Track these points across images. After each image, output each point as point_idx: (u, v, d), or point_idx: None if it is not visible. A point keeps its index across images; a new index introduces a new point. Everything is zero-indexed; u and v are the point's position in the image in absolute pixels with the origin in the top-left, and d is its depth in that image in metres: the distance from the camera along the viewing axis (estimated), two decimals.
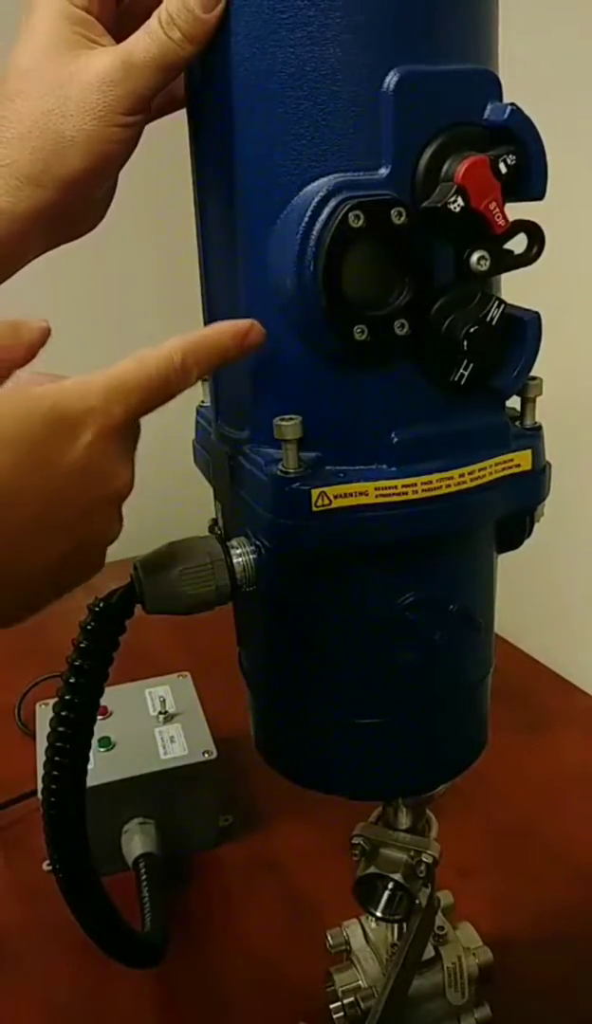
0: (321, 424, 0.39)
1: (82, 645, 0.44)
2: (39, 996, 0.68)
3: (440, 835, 0.51)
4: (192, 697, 0.83)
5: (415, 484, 0.39)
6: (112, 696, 0.80)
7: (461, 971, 0.55)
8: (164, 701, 0.82)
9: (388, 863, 0.50)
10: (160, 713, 0.80)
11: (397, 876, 0.49)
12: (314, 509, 0.38)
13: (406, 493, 0.39)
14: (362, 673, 0.43)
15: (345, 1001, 0.55)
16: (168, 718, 0.80)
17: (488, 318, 0.38)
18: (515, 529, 0.45)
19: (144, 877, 0.71)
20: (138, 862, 0.71)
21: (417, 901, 0.49)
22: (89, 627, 0.43)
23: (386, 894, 0.49)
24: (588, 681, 1.02)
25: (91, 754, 0.46)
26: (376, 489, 0.38)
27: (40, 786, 0.47)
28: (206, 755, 0.75)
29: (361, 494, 0.38)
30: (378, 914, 0.49)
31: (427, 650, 0.42)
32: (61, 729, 0.45)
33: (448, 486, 0.39)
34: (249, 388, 0.41)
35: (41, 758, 0.46)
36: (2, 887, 0.78)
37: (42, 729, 0.76)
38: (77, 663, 0.44)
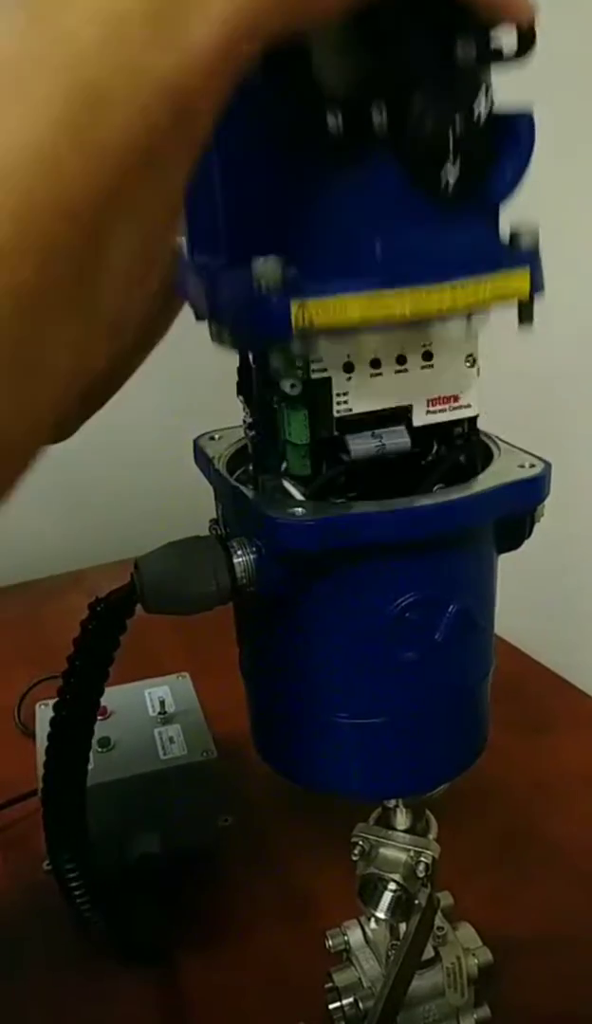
0: (299, 238, 0.37)
1: (83, 644, 0.44)
2: (39, 996, 0.68)
3: (440, 835, 0.51)
4: (192, 697, 0.83)
5: (403, 298, 0.36)
6: (112, 696, 0.80)
7: (461, 971, 0.55)
8: (164, 701, 0.82)
9: (388, 863, 0.50)
10: (160, 713, 0.80)
11: (397, 876, 0.49)
12: (296, 328, 0.35)
13: (393, 309, 0.36)
14: (362, 673, 0.43)
15: (345, 1001, 0.55)
16: (168, 718, 0.80)
17: (475, 111, 0.36)
18: (515, 529, 0.45)
19: (144, 877, 0.71)
20: (138, 862, 0.72)
21: (416, 901, 0.49)
22: (90, 626, 0.43)
23: (386, 894, 0.49)
24: (588, 681, 1.02)
25: (91, 754, 0.46)
26: (360, 303, 0.36)
27: (40, 786, 0.47)
28: (206, 755, 0.75)
29: (344, 309, 0.36)
30: (379, 914, 0.50)
31: (427, 650, 0.42)
32: (61, 729, 0.45)
33: (440, 304, 0.36)
34: (222, 202, 0.40)
35: (41, 758, 0.46)
36: (2, 887, 0.78)
37: (42, 729, 0.76)
38: (77, 662, 0.44)
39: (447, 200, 0.36)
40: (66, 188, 0.25)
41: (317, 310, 0.35)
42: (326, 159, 0.36)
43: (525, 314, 0.40)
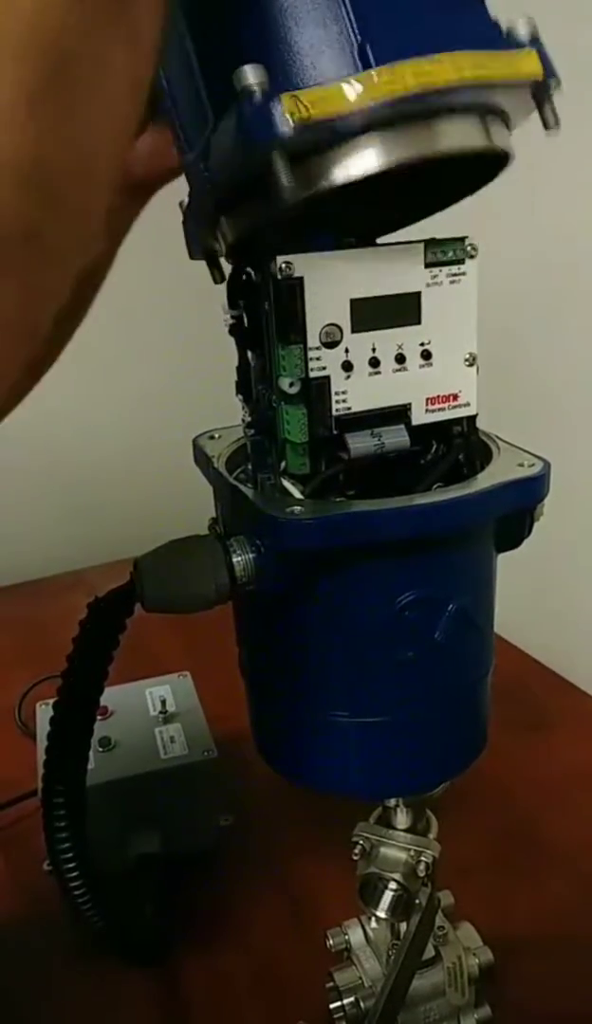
0: (279, 49, 0.34)
1: (82, 644, 0.44)
2: (39, 996, 0.68)
3: (440, 835, 0.51)
4: (192, 697, 0.83)
5: (404, 71, 0.33)
6: (112, 696, 0.80)
7: (461, 971, 0.55)
8: (164, 701, 0.81)
9: (388, 863, 0.50)
10: (160, 713, 0.80)
11: (397, 876, 0.49)
12: (293, 122, 0.33)
13: (394, 84, 0.33)
14: (361, 672, 0.43)
15: (345, 1001, 0.55)
16: (168, 718, 0.80)
17: None
18: (515, 528, 0.45)
19: (144, 877, 0.71)
20: (138, 862, 0.71)
21: (417, 900, 0.49)
22: (89, 626, 0.43)
23: (387, 893, 0.49)
24: (588, 681, 1.02)
25: (91, 754, 0.46)
26: (353, 88, 0.33)
27: (40, 786, 0.47)
28: (206, 755, 0.75)
29: (340, 95, 0.33)
30: (379, 914, 0.50)
31: (426, 649, 0.42)
32: (61, 728, 0.45)
33: (446, 74, 0.33)
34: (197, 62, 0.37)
35: (41, 758, 0.46)
36: (2, 887, 0.77)
37: (42, 729, 0.76)
38: (77, 662, 0.44)
39: None
40: None
41: (312, 99, 0.33)
42: None
43: (546, 111, 0.37)
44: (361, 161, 0.35)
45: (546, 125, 0.38)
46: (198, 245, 0.44)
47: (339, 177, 0.36)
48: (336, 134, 0.34)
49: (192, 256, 0.45)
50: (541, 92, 0.37)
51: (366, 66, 0.33)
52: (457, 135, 0.36)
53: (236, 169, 0.37)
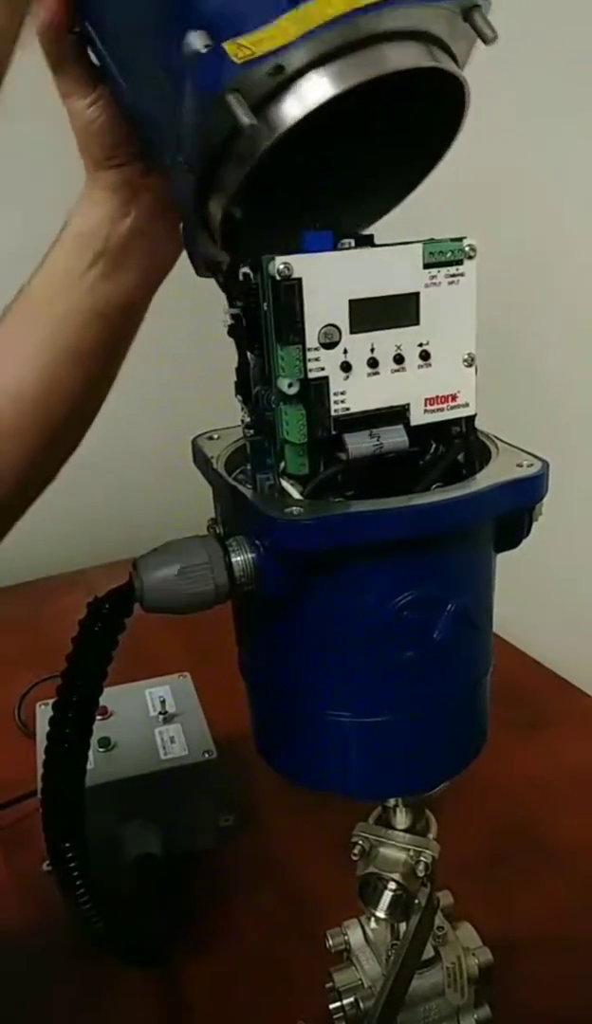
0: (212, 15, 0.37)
1: (81, 643, 0.44)
2: (39, 996, 0.68)
3: (439, 834, 0.51)
4: (192, 697, 0.83)
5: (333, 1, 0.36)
6: (112, 696, 0.80)
7: (461, 971, 0.55)
8: (164, 701, 0.82)
9: (388, 863, 0.50)
10: (160, 713, 0.80)
11: (397, 876, 0.49)
12: (238, 59, 0.36)
13: (325, 10, 0.36)
14: (360, 672, 0.43)
15: (345, 1001, 0.55)
16: (168, 718, 0.80)
17: None
18: (514, 528, 0.45)
19: (144, 877, 0.71)
20: (138, 862, 0.72)
21: (416, 900, 0.49)
22: (89, 625, 0.43)
23: (386, 894, 0.49)
24: (588, 681, 1.02)
25: (91, 754, 0.46)
26: (289, 21, 0.36)
27: (40, 786, 0.47)
28: (206, 755, 0.75)
29: (281, 31, 0.36)
30: (379, 914, 0.50)
31: (426, 649, 0.42)
32: (60, 728, 0.45)
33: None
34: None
35: (41, 758, 0.46)
36: (2, 887, 0.78)
37: (42, 729, 0.76)
38: (76, 661, 0.44)
39: None
40: None
41: (252, 40, 0.36)
42: None
43: (479, 25, 0.39)
44: (316, 91, 0.38)
45: (484, 40, 0.40)
46: (200, 257, 0.46)
47: (297, 110, 0.38)
48: (284, 71, 0.37)
49: (198, 273, 0.47)
50: (471, 12, 0.39)
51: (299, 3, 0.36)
52: (401, 56, 0.39)
53: (206, 136, 0.39)
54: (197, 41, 0.36)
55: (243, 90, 0.36)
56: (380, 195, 0.49)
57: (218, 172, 0.41)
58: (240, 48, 0.36)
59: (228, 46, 0.36)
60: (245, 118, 0.36)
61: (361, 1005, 0.54)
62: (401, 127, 0.46)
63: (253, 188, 0.41)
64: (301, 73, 0.38)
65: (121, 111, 0.50)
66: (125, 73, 0.46)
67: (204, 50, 0.36)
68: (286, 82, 0.38)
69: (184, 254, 0.48)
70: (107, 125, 0.50)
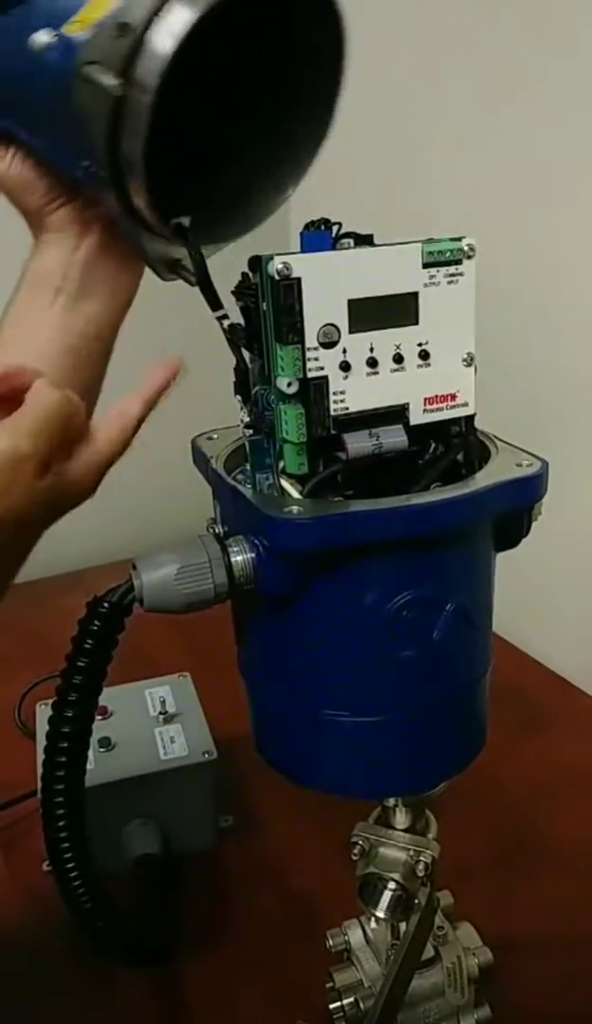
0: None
1: (81, 643, 0.44)
2: (39, 996, 0.68)
3: (439, 834, 0.51)
4: (192, 697, 0.83)
5: None
6: (112, 696, 0.80)
7: (461, 971, 0.55)
8: (164, 701, 0.82)
9: (388, 863, 0.50)
10: (160, 713, 0.80)
11: (397, 876, 0.49)
12: (84, 32, 0.41)
13: None
14: (360, 672, 0.43)
15: (345, 1001, 0.55)
16: (168, 718, 0.80)
17: None
18: (513, 528, 0.45)
19: (144, 877, 0.71)
20: (138, 862, 0.72)
21: (416, 900, 0.49)
22: (88, 625, 0.43)
23: (386, 893, 0.49)
24: (587, 681, 1.02)
25: (91, 754, 0.46)
26: None
27: (40, 786, 0.47)
28: (206, 755, 0.75)
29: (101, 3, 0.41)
30: (379, 914, 0.50)
31: (425, 649, 0.42)
32: (60, 728, 0.45)
33: None
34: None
35: (41, 758, 0.46)
36: (2, 887, 0.78)
37: (42, 729, 0.76)
38: (76, 661, 0.44)
39: None
40: None
41: (87, 11, 0.41)
42: None
43: None
44: (177, 21, 0.40)
45: None
46: (156, 258, 0.49)
47: (167, 45, 0.40)
48: (131, 27, 0.40)
49: (162, 276, 0.50)
50: None
51: None
52: None
53: (96, 123, 0.41)
54: (43, 36, 0.41)
55: (103, 61, 0.40)
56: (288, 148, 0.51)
57: (121, 150, 0.43)
58: (75, 24, 0.40)
59: (67, 27, 0.41)
60: (109, 80, 0.39)
61: (361, 1005, 0.54)
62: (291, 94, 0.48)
63: (170, 176, 0.44)
64: (148, 25, 0.40)
65: (35, 157, 0.52)
66: (27, 123, 0.49)
67: (53, 40, 0.41)
68: (140, 38, 0.40)
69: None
70: (33, 173, 0.52)
